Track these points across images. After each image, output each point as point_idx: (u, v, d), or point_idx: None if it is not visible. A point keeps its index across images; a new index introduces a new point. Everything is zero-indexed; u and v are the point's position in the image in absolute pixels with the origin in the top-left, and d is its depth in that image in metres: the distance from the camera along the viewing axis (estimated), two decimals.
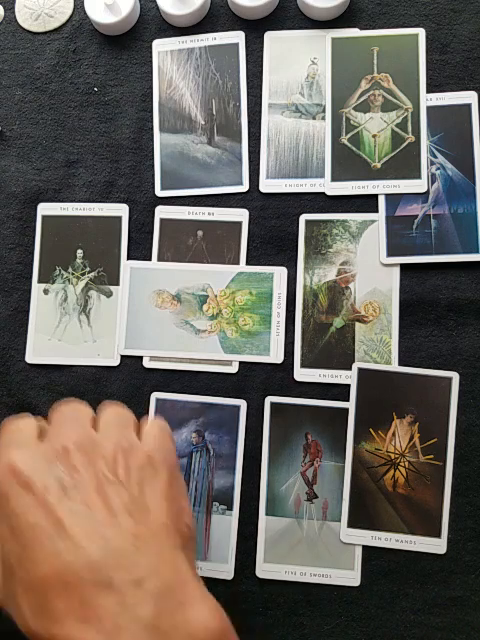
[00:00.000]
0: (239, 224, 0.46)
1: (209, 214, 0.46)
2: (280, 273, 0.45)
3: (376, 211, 0.45)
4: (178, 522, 0.28)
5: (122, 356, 0.46)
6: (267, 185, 0.46)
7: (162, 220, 0.47)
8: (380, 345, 0.44)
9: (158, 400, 0.45)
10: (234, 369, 0.45)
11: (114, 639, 0.23)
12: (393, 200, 0.45)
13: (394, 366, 0.44)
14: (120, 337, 0.46)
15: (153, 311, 0.46)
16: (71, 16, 0.49)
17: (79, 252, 0.47)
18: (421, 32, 0.46)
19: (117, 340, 0.46)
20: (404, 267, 0.45)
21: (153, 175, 0.47)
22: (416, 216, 0.45)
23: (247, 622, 0.43)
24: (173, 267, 0.46)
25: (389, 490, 0.43)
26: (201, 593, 0.26)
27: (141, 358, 0.46)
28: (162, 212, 0.47)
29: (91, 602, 0.24)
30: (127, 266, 0.46)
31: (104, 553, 0.25)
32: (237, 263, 0.46)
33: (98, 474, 0.27)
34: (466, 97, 0.46)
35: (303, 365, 0.44)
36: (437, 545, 0.42)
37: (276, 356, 0.45)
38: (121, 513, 0.26)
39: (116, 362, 0.46)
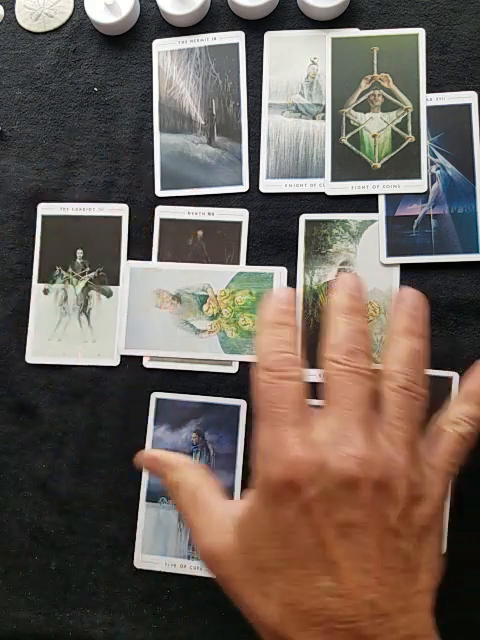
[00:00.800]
0: (239, 224, 0.46)
1: (209, 214, 0.46)
2: (280, 273, 0.45)
3: (376, 211, 0.45)
4: (438, 579, 0.27)
5: (122, 356, 0.46)
6: (267, 185, 0.46)
7: (162, 220, 0.47)
8: (380, 345, 0.44)
9: (158, 400, 0.45)
10: (234, 369, 0.45)
11: None
12: (393, 200, 0.45)
13: None
14: (120, 337, 0.46)
15: (153, 311, 0.46)
16: (71, 16, 0.49)
17: (79, 252, 0.47)
18: (421, 32, 0.46)
19: (117, 340, 0.46)
20: (404, 267, 0.45)
21: (153, 175, 0.47)
22: (416, 216, 0.45)
23: (247, 623, 0.43)
24: (173, 267, 0.46)
25: None
26: None
27: (141, 358, 0.46)
28: (162, 212, 0.47)
29: None
30: (127, 266, 0.46)
31: (372, 612, 0.24)
32: (237, 263, 0.46)
33: (384, 521, 0.24)
34: (466, 97, 0.46)
35: (303, 365, 0.44)
36: None
37: None
38: (396, 570, 0.24)
39: (116, 362, 0.46)
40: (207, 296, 0.46)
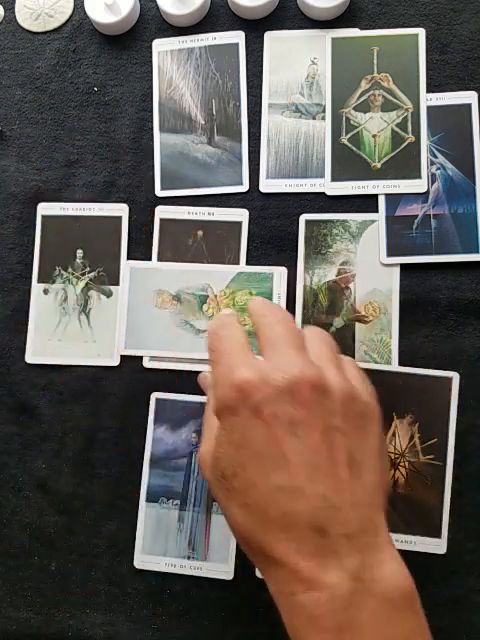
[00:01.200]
0: (239, 224, 0.46)
1: (209, 214, 0.46)
2: (280, 273, 0.45)
3: (376, 211, 0.45)
4: (384, 481, 0.29)
5: (122, 356, 0.46)
6: (267, 185, 0.46)
7: (162, 220, 0.47)
8: (380, 345, 0.44)
9: (158, 400, 0.45)
10: None
11: (319, 575, 0.26)
12: (393, 200, 0.45)
13: (394, 366, 0.44)
14: (120, 337, 0.46)
15: (153, 311, 0.46)
16: (71, 16, 0.49)
17: (79, 252, 0.47)
18: (421, 32, 0.46)
19: (117, 340, 0.46)
20: (404, 267, 0.45)
21: (153, 175, 0.47)
22: (416, 216, 0.45)
23: (246, 623, 0.43)
24: (173, 267, 0.46)
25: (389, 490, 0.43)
26: (395, 556, 0.27)
27: (141, 358, 0.46)
28: (162, 212, 0.47)
29: (306, 540, 0.26)
30: (127, 266, 0.46)
31: (323, 504, 0.26)
32: (237, 263, 0.46)
33: (326, 417, 0.27)
34: (466, 97, 0.46)
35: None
36: (437, 545, 0.42)
37: None
38: (341, 465, 0.27)
39: (116, 362, 0.46)
40: (207, 296, 0.46)
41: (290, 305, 0.45)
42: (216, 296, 0.46)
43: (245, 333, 0.32)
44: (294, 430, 0.27)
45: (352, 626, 0.25)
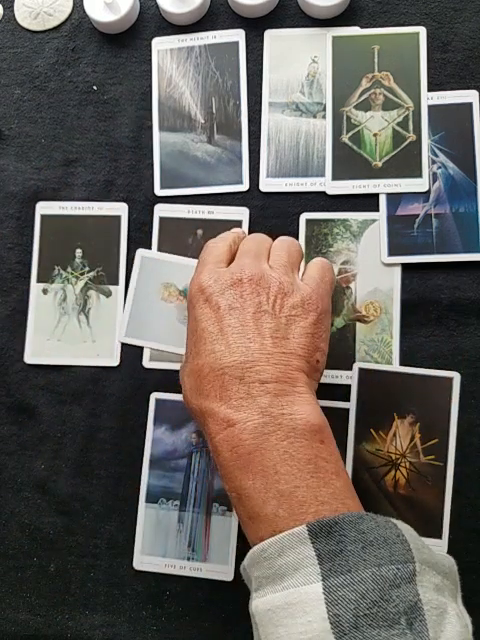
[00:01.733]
0: (239, 223, 0.46)
1: (209, 213, 0.46)
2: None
3: (377, 210, 0.45)
4: (310, 356, 0.34)
5: (122, 353, 0.46)
6: (267, 184, 0.46)
7: (161, 219, 0.47)
8: (381, 345, 0.44)
9: (158, 400, 0.45)
10: None
11: (237, 412, 0.31)
12: (394, 199, 0.45)
13: (395, 366, 0.44)
14: (122, 325, 0.46)
15: (158, 303, 0.46)
16: (70, 14, 0.49)
17: (78, 251, 0.47)
18: (422, 30, 0.46)
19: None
20: (405, 267, 0.45)
21: (152, 174, 0.47)
22: (417, 215, 0.45)
23: (246, 624, 0.43)
24: (182, 261, 0.46)
25: (390, 491, 0.43)
26: (308, 401, 0.32)
27: (141, 358, 0.46)
28: (161, 211, 0.47)
29: (227, 387, 0.32)
30: (138, 254, 0.46)
31: (244, 358, 0.32)
32: None
33: (258, 304, 0.34)
34: (467, 96, 0.45)
35: None
36: (438, 546, 0.42)
37: None
38: (265, 336, 0.33)
39: (115, 362, 0.46)
40: None
41: None
42: None
43: (228, 247, 0.39)
44: (231, 312, 0.34)
45: (261, 450, 0.30)
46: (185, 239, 0.46)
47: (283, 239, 0.39)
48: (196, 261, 0.39)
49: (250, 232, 0.46)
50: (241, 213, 0.46)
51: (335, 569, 0.27)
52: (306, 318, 0.35)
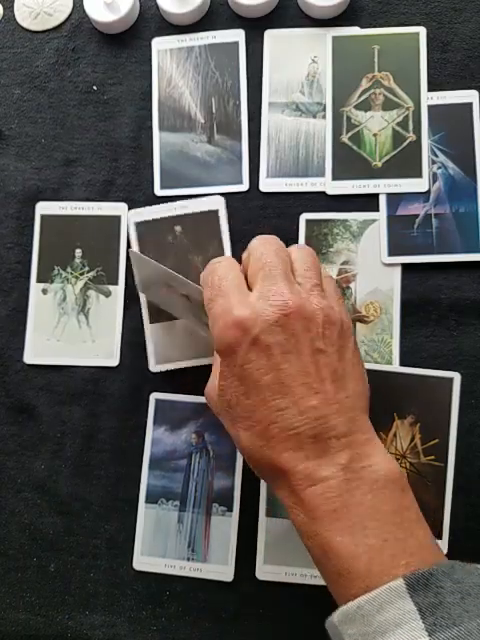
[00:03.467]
0: (215, 212, 0.46)
1: (182, 208, 0.46)
2: None
3: (377, 210, 0.45)
4: (364, 387, 0.33)
5: (121, 353, 0.46)
6: (267, 184, 0.46)
7: (137, 223, 0.46)
8: (381, 345, 0.44)
9: (158, 400, 0.45)
10: None
11: (316, 472, 0.30)
12: (394, 199, 0.45)
13: (395, 366, 0.44)
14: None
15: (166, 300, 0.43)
16: (70, 14, 0.49)
17: (78, 251, 0.47)
18: (422, 30, 0.46)
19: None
20: (405, 267, 0.45)
21: (152, 174, 0.47)
22: (417, 215, 0.45)
23: (247, 624, 0.43)
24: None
25: None
26: (381, 448, 0.31)
27: (141, 359, 0.45)
28: (135, 215, 0.46)
29: (303, 447, 0.30)
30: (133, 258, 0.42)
31: (315, 414, 0.30)
32: (222, 254, 0.45)
33: (311, 342, 0.32)
34: (467, 96, 0.45)
35: None
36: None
37: None
38: (327, 381, 0.31)
39: (115, 362, 0.46)
40: None
41: None
42: None
43: (239, 274, 0.35)
44: (286, 357, 0.31)
45: (346, 507, 0.29)
46: (165, 238, 0.46)
47: (301, 249, 0.36)
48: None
49: (250, 232, 0.46)
50: (217, 203, 0.46)
51: (439, 623, 0.26)
52: (349, 345, 0.33)
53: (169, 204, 0.46)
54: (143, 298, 0.46)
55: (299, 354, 0.31)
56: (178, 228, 0.46)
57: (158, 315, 0.46)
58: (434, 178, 0.45)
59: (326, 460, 0.30)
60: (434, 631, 0.26)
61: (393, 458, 0.31)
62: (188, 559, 0.43)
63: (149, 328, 0.46)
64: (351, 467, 0.30)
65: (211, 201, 0.46)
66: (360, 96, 0.46)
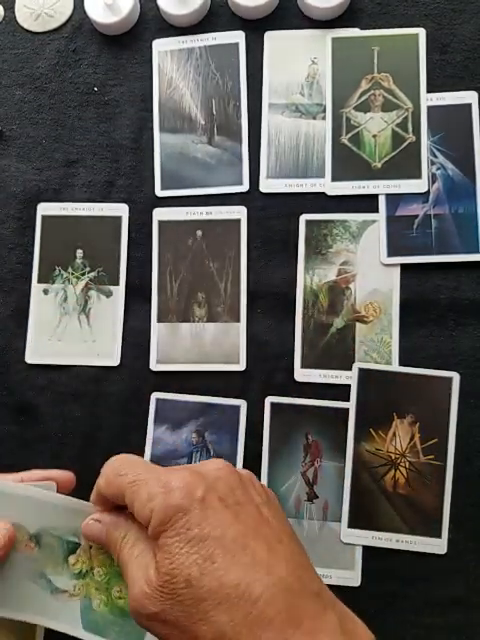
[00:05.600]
0: (237, 222, 0.46)
1: (207, 214, 0.46)
2: None
3: (376, 211, 0.45)
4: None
5: (122, 353, 0.46)
6: (267, 185, 0.46)
7: (160, 222, 0.47)
8: (380, 345, 0.44)
9: (158, 400, 0.45)
10: (240, 368, 0.45)
11: (315, 634, 0.25)
12: (393, 200, 0.45)
13: (394, 366, 0.44)
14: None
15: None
16: (71, 16, 0.49)
17: (79, 252, 0.47)
18: (421, 32, 0.46)
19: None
20: (404, 267, 0.45)
21: (153, 175, 0.47)
22: (416, 216, 0.45)
23: None
24: (40, 496, 0.34)
25: (389, 490, 0.43)
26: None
27: (141, 358, 0.46)
28: (160, 214, 0.47)
29: (294, 605, 0.26)
30: None
31: (289, 566, 0.27)
32: (238, 262, 0.46)
33: (251, 495, 0.30)
34: (466, 97, 0.46)
35: (303, 365, 0.44)
36: (437, 545, 0.42)
37: None
38: (278, 531, 0.29)
39: (116, 362, 0.46)
40: (79, 544, 0.34)
41: (290, 305, 0.45)
42: (90, 547, 0.34)
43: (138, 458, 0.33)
44: (239, 509, 0.29)
45: None
46: (185, 241, 0.46)
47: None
48: (64, 499, 0.32)
49: (250, 232, 0.46)
50: (239, 212, 0.46)
51: None
52: (279, 517, 0.31)
53: (195, 208, 0.46)
54: (154, 296, 0.46)
55: (249, 504, 0.30)
56: (199, 232, 0.46)
57: (165, 314, 0.46)
58: (433, 179, 0.45)
59: (322, 623, 0.26)
60: None
61: (353, 616, 0.28)
62: None
63: (155, 326, 0.46)
64: (345, 629, 0.26)
65: (235, 210, 0.46)
66: (360, 97, 0.46)
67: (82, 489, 0.45)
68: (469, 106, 0.45)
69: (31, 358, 0.46)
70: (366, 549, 0.43)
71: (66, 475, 0.34)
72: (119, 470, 0.32)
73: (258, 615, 0.25)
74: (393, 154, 0.46)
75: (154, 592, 0.27)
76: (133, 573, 0.29)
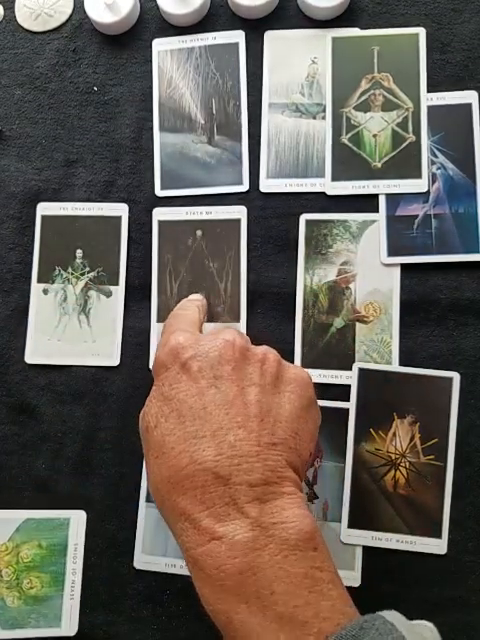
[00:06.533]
0: (238, 221, 0.46)
1: (207, 213, 0.46)
2: (78, 518, 0.37)
3: (376, 211, 0.45)
4: (301, 447, 0.31)
5: (122, 353, 0.46)
6: (267, 185, 0.46)
7: (160, 222, 0.47)
8: (380, 345, 0.44)
9: None
10: None
11: (223, 523, 0.27)
12: (394, 200, 0.45)
13: (394, 366, 0.44)
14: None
15: None
16: (71, 15, 0.49)
17: (79, 252, 0.47)
18: (421, 31, 0.46)
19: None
20: (405, 267, 0.45)
21: (153, 175, 0.47)
22: (417, 216, 0.45)
23: None
24: None
25: (390, 491, 0.43)
26: (298, 504, 0.29)
27: (141, 358, 0.46)
28: (160, 214, 0.47)
29: (210, 488, 0.28)
30: None
31: (231, 452, 0.28)
32: (238, 262, 0.46)
33: (246, 375, 0.31)
34: (466, 97, 0.46)
35: (303, 365, 0.44)
36: (437, 546, 0.42)
37: (68, 626, 0.37)
38: (253, 417, 0.29)
39: (116, 362, 0.46)
40: None
41: (290, 305, 0.45)
42: None
43: (198, 314, 0.37)
44: (216, 383, 0.30)
45: (253, 569, 0.27)
46: (185, 241, 0.46)
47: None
48: None
49: (250, 232, 0.46)
50: (239, 212, 0.46)
51: None
52: (290, 396, 0.31)
53: (195, 208, 0.46)
54: (154, 296, 0.46)
55: (231, 381, 0.30)
56: (199, 232, 0.46)
57: (165, 314, 0.46)
58: (433, 178, 0.45)
59: (234, 511, 0.28)
60: None
61: (309, 513, 0.29)
62: None
63: (156, 326, 0.46)
64: (260, 522, 0.27)
65: (235, 210, 0.46)
66: (360, 97, 0.46)
67: (82, 487, 0.45)
68: (469, 106, 0.45)
69: (31, 358, 0.46)
70: (366, 549, 0.43)
71: None
72: (177, 309, 0.38)
73: (178, 482, 0.28)
74: (393, 154, 0.45)
75: (140, 420, 0.32)
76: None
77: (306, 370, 0.34)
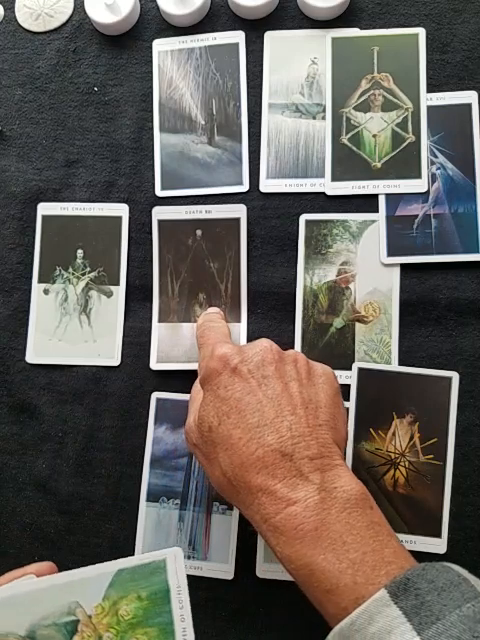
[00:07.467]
0: (237, 220, 0.46)
1: (207, 212, 0.46)
2: (175, 555, 0.32)
3: (376, 211, 0.45)
4: (339, 427, 0.36)
5: (122, 353, 0.46)
6: (267, 185, 0.46)
7: (160, 222, 0.47)
8: (380, 345, 0.44)
9: (159, 400, 0.45)
10: None
11: (295, 491, 0.32)
12: (393, 200, 0.45)
13: (394, 366, 0.44)
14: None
15: None
16: (71, 16, 0.49)
17: (79, 252, 0.47)
18: (421, 32, 0.46)
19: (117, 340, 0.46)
20: (404, 267, 0.45)
21: (153, 175, 0.47)
22: (416, 216, 0.45)
23: (247, 622, 0.43)
24: (22, 590, 0.30)
25: (389, 490, 0.43)
26: (349, 472, 0.34)
27: (142, 358, 0.46)
28: (160, 213, 0.47)
29: (278, 465, 0.33)
30: None
31: (290, 435, 0.33)
32: (238, 263, 0.46)
33: (285, 373, 0.36)
34: (466, 97, 0.46)
35: None
36: (437, 545, 0.42)
37: None
38: (299, 405, 0.35)
39: (116, 362, 0.46)
40: (77, 621, 0.30)
41: (290, 305, 0.45)
42: (90, 617, 0.30)
43: (226, 326, 0.43)
44: (264, 381, 0.35)
45: (326, 524, 0.31)
46: (185, 240, 0.46)
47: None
48: (45, 580, 0.30)
49: (250, 232, 0.46)
50: (239, 210, 0.46)
51: (424, 621, 0.28)
52: (324, 387, 0.37)
53: (194, 206, 0.46)
54: (155, 297, 0.46)
55: (275, 380, 0.35)
56: (199, 232, 0.46)
57: (166, 315, 0.46)
58: (433, 179, 0.45)
59: (301, 480, 0.33)
60: (422, 630, 0.28)
61: (355, 478, 0.34)
62: (189, 557, 0.44)
63: (157, 326, 0.46)
64: (325, 487, 0.32)
65: (235, 209, 0.46)
66: (360, 97, 0.46)
67: (82, 487, 0.45)
68: (469, 106, 0.45)
69: (32, 358, 0.47)
70: None
71: (45, 566, 0.32)
72: (206, 322, 0.43)
73: (252, 464, 0.33)
74: (393, 154, 0.46)
75: (193, 427, 0.37)
76: (192, 407, 0.39)
77: (327, 368, 0.39)
